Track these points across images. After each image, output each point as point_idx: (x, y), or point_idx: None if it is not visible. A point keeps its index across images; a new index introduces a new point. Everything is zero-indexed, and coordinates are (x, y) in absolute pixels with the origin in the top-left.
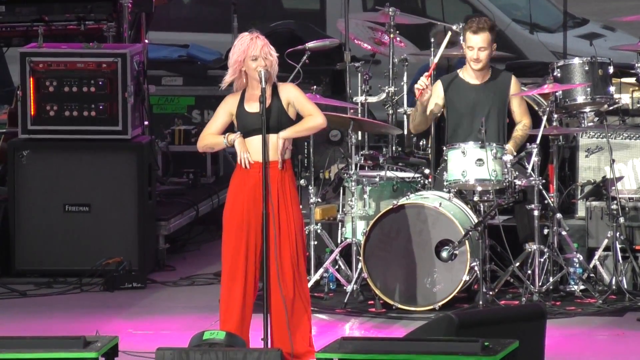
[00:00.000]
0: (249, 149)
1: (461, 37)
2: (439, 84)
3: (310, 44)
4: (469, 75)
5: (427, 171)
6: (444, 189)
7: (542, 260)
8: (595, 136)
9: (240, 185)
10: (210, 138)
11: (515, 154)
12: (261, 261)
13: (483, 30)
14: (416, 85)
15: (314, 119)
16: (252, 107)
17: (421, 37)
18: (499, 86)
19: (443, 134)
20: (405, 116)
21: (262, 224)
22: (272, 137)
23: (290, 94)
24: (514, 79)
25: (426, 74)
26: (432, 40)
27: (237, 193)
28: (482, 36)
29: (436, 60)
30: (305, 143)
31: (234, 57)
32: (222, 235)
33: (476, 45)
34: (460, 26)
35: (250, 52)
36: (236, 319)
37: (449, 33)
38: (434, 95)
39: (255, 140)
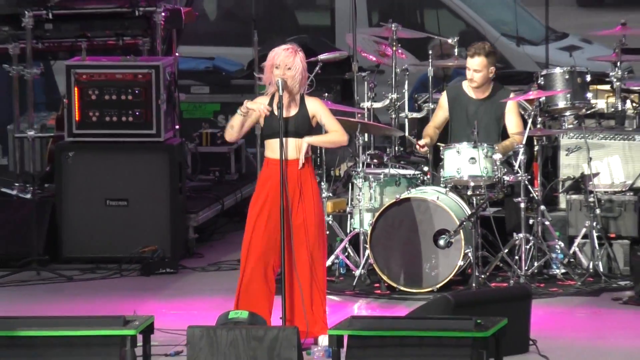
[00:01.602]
0: (273, 149)
1: (456, 50)
2: (444, 96)
3: (322, 56)
4: (470, 89)
5: (425, 168)
6: (441, 184)
7: (527, 247)
8: (575, 137)
9: (265, 180)
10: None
11: (503, 154)
12: (280, 248)
13: (478, 55)
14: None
15: (338, 136)
16: (278, 111)
17: (420, 50)
18: (496, 102)
19: (441, 136)
20: (406, 120)
21: (281, 216)
22: (296, 140)
23: (318, 109)
24: (512, 96)
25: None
26: (430, 52)
27: (262, 187)
28: (477, 60)
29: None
30: None
31: (265, 64)
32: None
33: (472, 67)
34: (455, 39)
35: (275, 61)
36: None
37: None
38: (440, 107)
39: (279, 142)
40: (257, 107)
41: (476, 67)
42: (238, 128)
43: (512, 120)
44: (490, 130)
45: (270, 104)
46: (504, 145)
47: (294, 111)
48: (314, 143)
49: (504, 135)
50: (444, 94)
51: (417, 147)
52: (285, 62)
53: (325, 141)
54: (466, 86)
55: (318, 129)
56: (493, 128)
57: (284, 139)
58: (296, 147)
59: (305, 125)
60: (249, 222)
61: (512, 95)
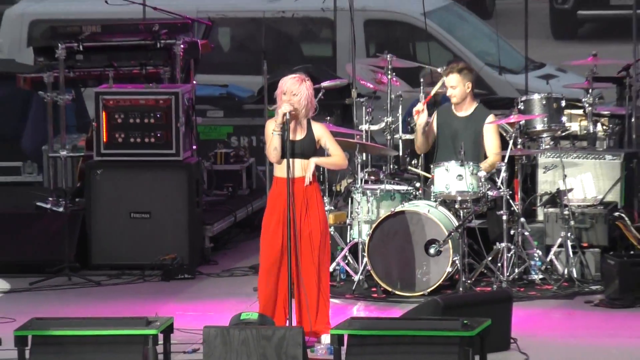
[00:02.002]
0: (281, 169)
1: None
2: (435, 115)
3: (324, 84)
4: (456, 108)
5: (417, 185)
6: (432, 199)
7: (509, 255)
8: (551, 156)
9: (275, 196)
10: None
11: (487, 171)
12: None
13: (452, 73)
14: (414, 108)
15: (341, 160)
16: (293, 132)
17: (413, 78)
18: (477, 121)
19: (430, 157)
20: (400, 141)
21: (288, 228)
22: (302, 161)
23: (323, 134)
24: (490, 117)
25: (423, 100)
26: (422, 80)
27: (273, 202)
28: (452, 77)
29: (433, 92)
30: None
31: (277, 92)
32: (260, 235)
33: (449, 84)
34: (444, 68)
35: (283, 89)
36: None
37: (443, 79)
38: (433, 124)
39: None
40: (284, 111)
41: (453, 83)
42: (280, 147)
43: (491, 141)
44: (472, 146)
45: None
46: (488, 164)
47: (301, 135)
48: (319, 163)
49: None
50: (435, 114)
51: (414, 113)
52: (291, 89)
53: (329, 163)
54: (454, 106)
55: (321, 151)
56: (475, 144)
57: (291, 160)
58: (302, 167)
59: (311, 148)
60: (265, 232)
61: (492, 117)
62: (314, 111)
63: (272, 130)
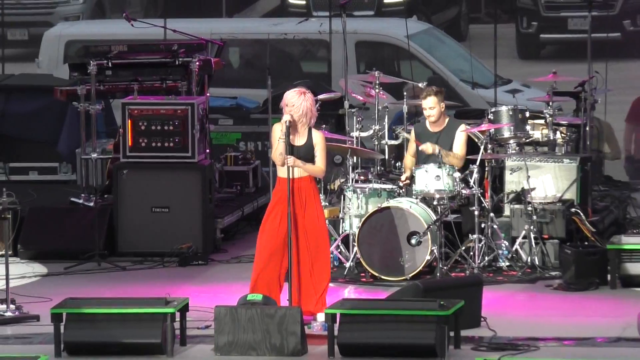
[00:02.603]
0: (283, 170)
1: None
2: (412, 132)
3: (321, 96)
4: (430, 125)
5: (401, 184)
6: (413, 196)
7: (480, 245)
8: (517, 160)
9: (277, 192)
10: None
11: (437, 151)
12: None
13: (430, 96)
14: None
15: (318, 169)
16: (294, 139)
17: (397, 91)
18: (450, 133)
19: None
20: (386, 146)
21: (287, 221)
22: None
23: (318, 143)
24: (461, 127)
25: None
26: (405, 93)
27: (275, 198)
28: (430, 99)
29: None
30: None
31: (281, 103)
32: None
33: (427, 106)
34: (424, 84)
35: (285, 100)
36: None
37: (413, 86)
38: (412, 140)
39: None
40: (284, 120)
41: (430, 105)
42: (284, 152)
43: (458, 147)
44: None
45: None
46: (447, 152)
47: (302, 141)
48: (298, 166)
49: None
50: (412, 130)
51: (401, 182)
52: (292, 101)
53: (306, 168)
54: (427, 123)
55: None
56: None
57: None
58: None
59: (309, 153)
60: (263, 226)
61: (463, 126)
62: (314, 120)
63: (278, 135)
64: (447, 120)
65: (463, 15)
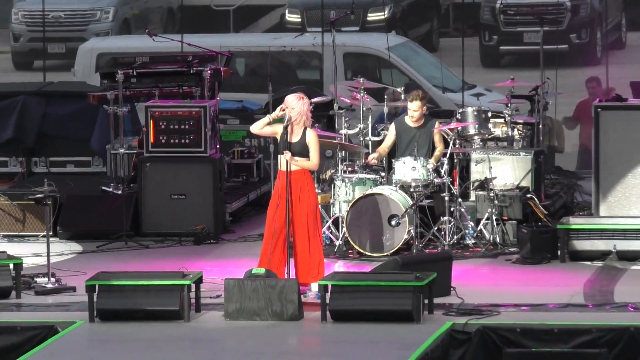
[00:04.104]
0: (282, 164)
1: (402, 96)
2: (392, 126)
3: (314, 100)
4: (410, 121)
5: (382, 174)
6: (393, 184)
7: (449, 226)
8: (481, 153)
9: (278, 184)
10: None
11: (435, 163)
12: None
13: (416, 100)
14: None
15: (312, 163)
16: (291, 136)
17: (379, 95)
18: (428, 129)
19: (392, 154)
20: (370, 142)
21: (287, 208)
22: (296, 158)
23: (311, 140)
24: (437, 124)
25: (373, 155)
26: (385, 97)
27: (277, 187)
28: (415, 103)
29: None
30: None
31: (282, 104)
32: (267, 210)
33: (412, 108)
34: (402, 89)
35: (286, 103)
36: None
37: (393, 91)
38: (390, 133)
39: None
40: (272, 115)
41: (415, 108)
42: (260, 126)
43: (438, 142)
44: (423, 147)
45: (285, 129)
46: (435, 157)
47: (297, 139)
48: (298, 164)
49: (432, 149)
50: (393, 124)
51: (365, 160)
52: (292, 103)
53: (302, 164)
54: (407, 119)
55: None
56: (425, 146)
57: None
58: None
59: (304, 150)
60: (269, 212)
61: (437, 124)
62: (309, 122)
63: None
64: (424, 119)
65: (435, 30)
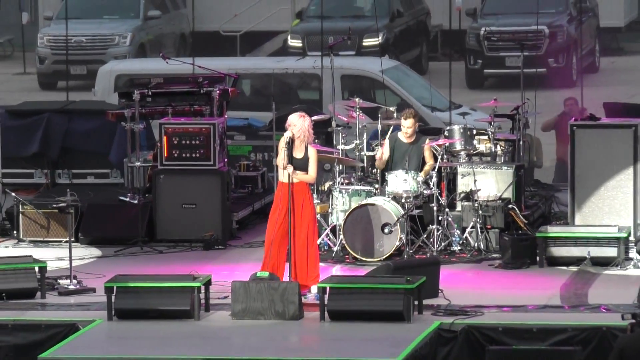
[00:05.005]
0: (284, 176)
1: (395, 115)
2: (387, 141)
3: (313, 117)
4: (404, 137)
5: (376, 186)
6: (386, 195)
7: (438, 233)
8: (466, 167)
9: (279, 195)
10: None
11: (425, 177)
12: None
13: (409, 118)
14: (377, 153)
15: (309, 177)
16: (294, 152)
17: (373, 114)
18: (418, 145)
19: (385, 168)
20: (365, 156)
21: (288, 216)
22: (298, 172)
23: (311, 156)
24: (427, 141)
25: (381, 148)
26: (379, 115)
27: (277, 199)
28: (408, 121)
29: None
30: None
31: (286, 124)
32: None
33: (405, 125)
34: (395, 108)
35: (289, 121)
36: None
37: (387, 109)
38: (385, 148)
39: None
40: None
41: (409, 125)
42: (282, 156)
43: (427, 155)
44: (414, 161)
45: (290, 144)
46: (425, 171)
47: (300, 154)
48: (296, 177)
49: (423, 163)
50: (387, 140)
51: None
52: (294, 122)
53: (304, 178)
54: (401, 135)
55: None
56: (416, 160)
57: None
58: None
59: (305, 164)
60: (270, 221)
61: (427, 141)
62: (311, 139)
63: (281, 145)
64: (415, 136)
65: (424, 54)
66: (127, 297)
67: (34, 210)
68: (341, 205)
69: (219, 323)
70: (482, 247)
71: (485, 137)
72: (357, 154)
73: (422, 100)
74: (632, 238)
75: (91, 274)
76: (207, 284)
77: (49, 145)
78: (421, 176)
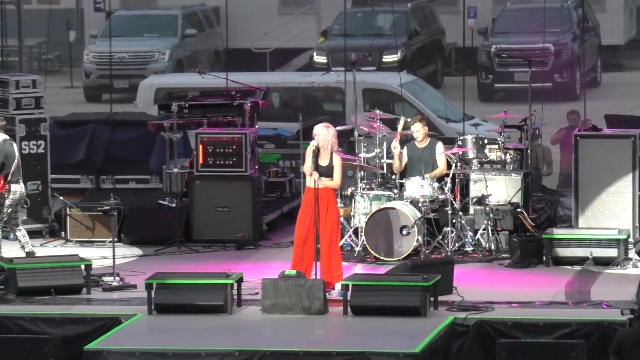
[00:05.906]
0: (312, 182)
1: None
2: (405, 148)
3: (338, 128)
4: (417, 143)
5: (395, 191)
6: (404, 200)
7: (452, 235)
8: (478, 174)
9: (306, 199)
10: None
11: (432, 179)
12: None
13: (416, 122)
14: (391, 145)
15: (334, 183)
16: (320, 160)
17: (392, 125)
18: (432, 149)
19: (402, 175)
20: (384, 164)
21: (314, 219)
22: (323, 178)
23: (336, 164)
24: (439, 144)
25: (396, 139)
26: (398, 126)
27: (305, 202)
28: (416, 125)
29: (399, 130)
30: None
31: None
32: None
33: (414, 130)
34: (409, 120)
35: (315, 131)
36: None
37: (402, 119)
38: (404, 154)
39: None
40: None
41: (417, 129)
42: (309, 164)
43: (440, 160)
44: (428, 164)
45: (315, 153)
46: (432, 174)
47: (325, 162)
48: (322, 182)
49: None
50: (406, 147)
51: (392, 148)
52: (319, 132)
53: (329, 185)
54: (415, 142)
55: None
56: (429, 163)
57: (315, 175)
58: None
59: (330, 171)
60: (299, 222)
61: (441, 143)
62: (336, 147)
63: (308, 154)
64: (429, 140)
65: (439, 70)
66: (165, 293)
67: (80, 213)
68: (363, 208)
69: (250, 317)
70: (492, 247)
71: (496, 146)
72: (378, 161)
73: (438, 112)
74: (631, 239)
75: (132, 272)
76: (239, 281)
77: (94, 153)
78: (431, 176)
